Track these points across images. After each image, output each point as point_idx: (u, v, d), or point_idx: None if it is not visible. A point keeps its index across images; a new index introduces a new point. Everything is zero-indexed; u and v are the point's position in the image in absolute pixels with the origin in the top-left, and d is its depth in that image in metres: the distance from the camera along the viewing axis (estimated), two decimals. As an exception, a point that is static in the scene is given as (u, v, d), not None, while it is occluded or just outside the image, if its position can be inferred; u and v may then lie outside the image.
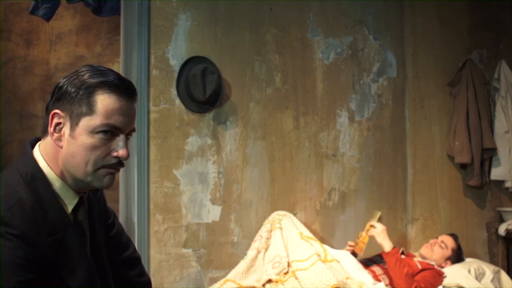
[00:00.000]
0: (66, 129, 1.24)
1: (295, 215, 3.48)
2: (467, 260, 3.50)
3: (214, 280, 3.22)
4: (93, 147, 1.24)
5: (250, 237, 3.36)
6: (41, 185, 1.22)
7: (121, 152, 1.27)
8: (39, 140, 1.31)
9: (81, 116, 1.23)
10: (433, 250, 3.37)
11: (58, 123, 1.23)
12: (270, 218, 3.34)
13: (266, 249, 3.20)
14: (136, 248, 3.16)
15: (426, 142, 3.88)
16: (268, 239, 3.25)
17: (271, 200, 3.43)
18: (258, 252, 3.18)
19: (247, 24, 3.49)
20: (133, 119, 1.31)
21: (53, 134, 1.24)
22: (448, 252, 3.37)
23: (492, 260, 3.87)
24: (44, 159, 1.26)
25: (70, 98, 1.23)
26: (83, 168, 1.25)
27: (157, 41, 3.26)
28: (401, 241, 3.77)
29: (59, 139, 1.24)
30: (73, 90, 1.23)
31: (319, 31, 3.66)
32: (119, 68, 3.69)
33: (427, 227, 3.84)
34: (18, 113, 4.44)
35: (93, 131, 1.23)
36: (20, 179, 1.20)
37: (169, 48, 3.29)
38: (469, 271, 3.24)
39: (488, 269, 3.34)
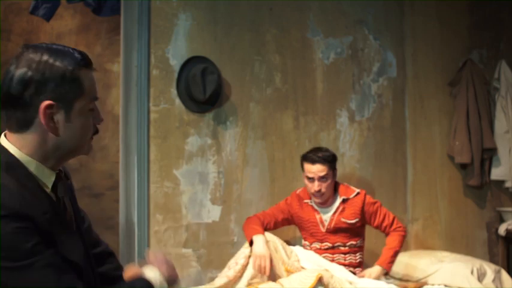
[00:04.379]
0: (59, 117, 1.23)
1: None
2: (469, 258, 3.49)
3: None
4: (89, 124, 1.29)
5: (250, 237, 3.36)
6: (18, 170, 1.21)
7: (101, 119, 1.33)
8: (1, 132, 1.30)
9: (73, 99, 1.23)
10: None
11: (51, 113, 1.21)
12: None
13: (239, 279, 2.80)
14: (136, 248, 3.18)
15: (426, 142, 3.88)
16: (244, 266, 2.82)
17: (271, 200, 3.42)
18: (229, 282, 2.81)
19: (247, 24, 3.49)
20: None
21: (48, 125, 1.21)
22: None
23: (492, 260, 3.87)
24: (15, 146, 1.23)
25: (55, 85, 1.20)
26: (81, 145, 1.29)
27: (157, 41, 3.26)
28: (401, 241, 3.77)
29: (55, 128, 1.23)
30: (56, 76, 1.21)
31: (319, 31, 3.66)
32: (119, 68, 3.69)
33: (427, 227, 3.84)
34: (18, 113, 4.43)
35: (87, 110, 1.27)
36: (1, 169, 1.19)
37: (169, 48, 3.29)
38: (472, 271, 3.23)
39: (490, 269, 3.34)
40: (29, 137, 1.23)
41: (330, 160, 2.98)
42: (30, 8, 3.60)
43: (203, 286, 2.94)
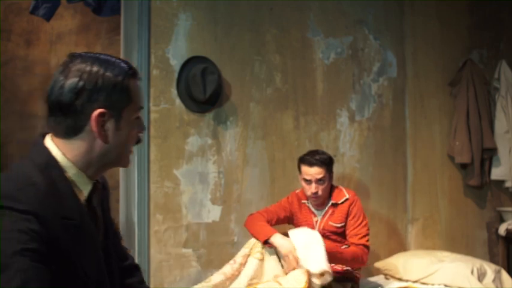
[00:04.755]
0: (110, 125, 1.26)
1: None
2: (470, 258, 3.49)
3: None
4: (134, 133, 1.33)
5: (250, 237, 3.36)
6: (55, 172, 1.23)
7: (144, 128, 1.37)
8: (45, 134, 1.31)
9: (123, 108, 1.27)
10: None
11: (102, 121, 1.24)
12: (251, 242, 2.90)
13: (236, 277, 2.80)
14: (136, 248, 3.18)
15: (426, 142, 3.88)
16: (242, 265, 2.83)
17: (271, 200, 3.42)
18: (226, 279, 2.80)
19: (247, 24, 3.49)
20: None
21: (100, 132, 1.24)
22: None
23: (492, 260, 3.87)
24: (59, 150, 1.26)
25: (107, 94, 1.24)
26: (125, 155, 1.33)
27: (157, 41, 3.26)
28: (401, 241, 3.77)
29: (105, 135, 1.26)
30: (107, 86, 1.24)
31: (319, 31, 3.66)
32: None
33: (427, 227, 3.84)
34: (18, 113, 4.43)
35: (134, 118, 1.31)
36: (34, 167, 1.21)
37: (170, 48, 3.29)
38: (472, 271, 3.23)
39: (490, 269, 3.34)
40: (77, 143, 1.25)
41: (327, 163, 2.98)
42: (30, 8, 3.60)
43: (200, 284, 2.92)
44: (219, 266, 3.17)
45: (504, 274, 3.40)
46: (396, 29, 3.86)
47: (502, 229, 3.86)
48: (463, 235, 3.92)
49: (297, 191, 3.16)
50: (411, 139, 3.85)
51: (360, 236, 2.93)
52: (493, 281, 3.27)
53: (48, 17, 3.64)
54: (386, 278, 3.41)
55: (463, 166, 3.93)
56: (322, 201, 3.01)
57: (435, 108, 3.92)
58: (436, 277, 3.24)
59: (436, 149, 3.90)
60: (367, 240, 2.94)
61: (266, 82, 3.53)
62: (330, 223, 2.99)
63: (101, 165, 1.30)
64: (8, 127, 4.37)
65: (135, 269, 1.65)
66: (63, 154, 1.25)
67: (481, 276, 3.25)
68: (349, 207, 3.00)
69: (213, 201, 3.37)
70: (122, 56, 3.32)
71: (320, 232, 2.93)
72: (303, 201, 3.10)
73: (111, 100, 1.24)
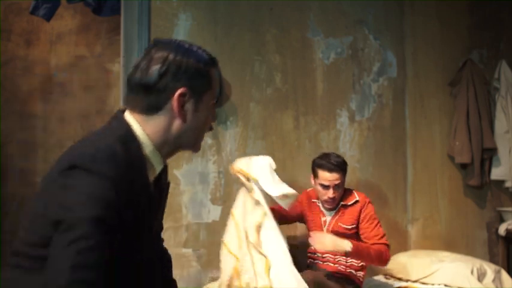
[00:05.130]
0: (189, 106, 1.30)
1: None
2: (470, 258, 3.49)
3: (215, 280, 3.21)
4: (209, 119, 1.37)
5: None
6: (134, 146, 1.26)
7: (216, 118, 1.42)
8: (124, 109, 1.35)
9: (203, 92, 1.32)
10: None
11: (183, 101, 1.29)
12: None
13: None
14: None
15: (426, 142, 3.88)
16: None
17: (271, 200, 3.42)
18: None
19: (247, 24, 3.49)
20: None
21: (179, 111, 1.28)
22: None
23: (492, 260, 3.87)
24: (139, 125, 1.29)
25: (189, 76, 1.29)
26: (198, 137, 1.37)
27: (158, 41, 3.26)
28: (401, 241, 3.77)
29: (184, 114, 1.30)
30: (190, 69, 1.29)
31: (319, 31, 3.66)
32: (119, 68, 3.70)
33: (427, 227, 3.84)
34: (18, 113, 4.43)
35: (210, 104, 1.35)
36: (115, 137, 1.24)
37: (170, 48, 3.28)
38: (472, 271, 3.23)
39: (490, 269, 3.34)
40: (156, 120, 1.29)
41: (344, 168, 2.98)
42: (30, 8, 3.60)
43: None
44: (219, 266, 3.17)
45: (504, 274, 3.40)
46: (396, 29, 3.86)
47: (502, 229, 3.86)
48: (463, 235, 3.92)
49: (308, 190, 3.16)
50: (411, 139, 3.85)
51: (379, 236, 2.92)
52: (493, 281, 3.27)
53: (48, 17, 3.64)
54: (386, 278, 3.41)
55: (463, 166, 3.92)
56: (336, 203, 3.01)
57: (435, 108, 3.92)
58: (436, 277, 3.24)
59: (436, 149, 3.90)
60: (386, 239, 2.93)
61: (266, 82, 3.53)
62: (340, 224, 2.98)
63: (175, 147, 1.34)
64: (8, 127, 4.37)
65: (171, 264, 1.68)
66: (143, 129, 1.29)
67: (481, 276, 3.26)
68: (360, 210, 2.98)
69: (213, 201, 3.36)
70: (121, 56, 3.32)
71: (329, 232, 2.95)
72: (314, 199, 3.09)
73: (193, 83, 1.29)
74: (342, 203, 3.01)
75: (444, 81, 3.95)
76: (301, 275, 2.60)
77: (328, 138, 3.65)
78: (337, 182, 2.91)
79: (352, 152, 3.70)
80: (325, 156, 2.98)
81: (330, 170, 2.90)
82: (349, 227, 2.97)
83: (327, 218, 3.03)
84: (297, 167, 3.56)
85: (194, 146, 1.38)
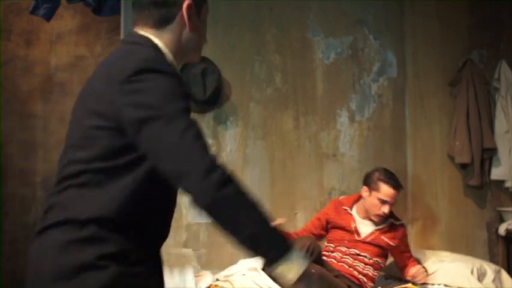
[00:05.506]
0: (194, 16, 1.43)
1: (295, 214, 3.48)
2: (470, 258, 3.49)
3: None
4: (206, 29, 1.53)
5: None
6: (163, 55, 1.39)
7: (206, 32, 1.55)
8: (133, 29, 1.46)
9: (202, 5, 1.47)
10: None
11: (190, 11, 1.42)
12: None
13: None
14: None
15: (426, 142, 3.88)
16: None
17: (271, 200, 3.42)
18: None
19: (247, 24, 3.49)
20: None
21: (189, 20, 1.41)
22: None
23: (492, 260, 3.87)
24: (156, 38, 1.40)
25: None
26: (199, 45, 1.51)
27: (158, 41, 3.26)
28: (401, 241, 3.77)
29: (191, 23, 1.43)
30: None
31: (319, 31, 3.66)
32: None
33: (427, 227, 3.84)
34: (18, 113, 4.43)
35: (206, 16, 1.50)
36: (149, 49, 1.35)
37: (170, 48, 3.28)
38: (472, 271, 3.23)
39: (490, 269, 3.34)
40: (169, 31, 1.41)
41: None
42: (30, 8, 3.59)
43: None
44: (219, 266, 3.18)
45: (504, 274, 3.40)
46: (396, 29, 3.86)
47: (502, 229, 3.85)
48: (463, 235, 3.91)
49: (340, 199, 3.22)
50: (411, 139, 3.85)
51: (410, 256, 3.21)
52: (493, 281, 3.27)
53: (48, 17, 3.63)
54: (386, 278, 3.41)
55: (463, 166, 3.92)
56: None
57: (435, 108, 3.92)
58: (436, 277, 3.24)
59: (436, 149, 3.90)
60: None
61: (266, 82, 3.53)
62: (383, 238, 3.05)
63: (182, 55, 1.47)
64: (8, 127, 4.37)
65: None
66: (161, 42, 1.40)
67: (480, 276, 3.25)
68: (403, 234, 3.14)
69: (213, 201, 3.36)
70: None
71: (365, 240, 3.02)
72: (345, 207, 3.13)
73: None
74: (391, 220, 3.11)
75: (444, 81, 3.95)
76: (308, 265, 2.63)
77: (328, 138, 3.65)
78: (395, 200, 3.04)
79: (352, 152, 3.70)
80: (390, 173, 3.09)
81: (395, 188, 3.02)
82: (393, 244, 3.07)
83: (361, 226, 3.07)
84: (297, 167, 3.56)
85: (196, 53, 1.53)
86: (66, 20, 4.53)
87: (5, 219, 4.16)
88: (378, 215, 3.04)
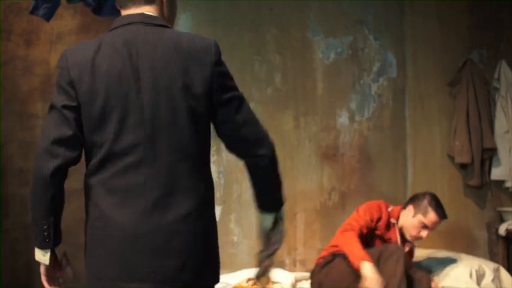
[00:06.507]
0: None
1: (295, 215, 3.47)
2: (469, 257, 3.49)
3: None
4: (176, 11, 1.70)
5: (250, 237, 3.35)
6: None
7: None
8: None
9: None
10: None
11: None
12: None
13: None
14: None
15: (426, 142, 3.88)
16: None
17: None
18: None
19: (247, 24, 3.49)
20: None
21: (167, 1, 1.60)
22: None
23: (492, 260, 3.87)
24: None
25: None
26: (173, 19, 1.70)
27: (158, 41, 3.26)
28: (401, 241, 3.77)
29: (169, 3, 1.61)
30: None
31: (319, 31, 3.66)
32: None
33: (427, 227, 3.84)
34: (18, 113, 4.42)
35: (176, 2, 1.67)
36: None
37: (169, 48, 3.28)
38: (471, 272, 3.23)
39: (489, 269, 3.34)
40: (155, 8, 1.58)
41: None
42: (30, 8, 3.59)
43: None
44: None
45: (503, 272, 3.40)
46: (396, 29, 3.86)
47: (502, 229, 3.85)
48: (463, 235, 3.91)
49: (389, 209, 3.13)
50: (411, 139, 3.85)
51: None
52: (493, 280, 3.27)
53: (48, 17, 3.63)
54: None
55: (463, 166, 3.92)
56: None
57: (435, 109, 3.92)
58: (435, 277, 3.24)
59: (436, 149, 3.90)
60: None
61: (266, 82, 3.53)
62: (407, 258, 3.01)
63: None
64: (8, 127, 4.36)
65: None
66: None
67: (480, 277, 3.26)
68: (414, 254, 3.23)
69: (213, 201, 3.36)
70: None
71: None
72: (393, 220, 3.10)
73: None
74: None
75: (444, 82, 3.95)
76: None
77: (328, 138, 3.65)
78: (435, 228, 3.04)
79: (352, 152, 3.70)
80: (439, 201, 3.06)
81: (441, 217, 3.02)
82: (408, 264, 3.02)
83: (400, 243, 3.05)
84: (296, 167, 3.56)
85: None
86: (66, 20, 4.53)
87: (5, 219, 4.16)
88: (414, 237, 3.03)
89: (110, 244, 1.39)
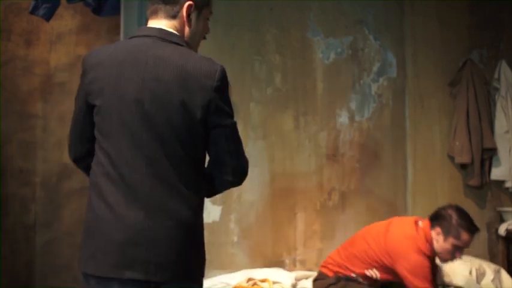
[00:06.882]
0: (193, 15, 1.68)
1: (295, 215, 3.47)
2: (468, 258, 3.49)
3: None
4: (205, 29, 1.77)
5: (250, 237, 3.35)
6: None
7: (209, 29, 1.80)
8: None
9: (203, 7, 1.70)
10: None
11: (189, 11, 1.66)
12: None
13: None
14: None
15: (426, 142, 3.88)
16: None
17: (271, 201, 3.42)
18: None
19: (247, 24, 3.49)
20: None
21: (187, 19, 1.66)
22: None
23: (492, 260, 3.87)
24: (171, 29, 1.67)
25: None
26: (198, 41, 1.77)
27: (157, 41, 3.26)
28: (401, 241, 3.77)
29: (189, 21, 1.68)
30: None
31: (319, 31, 3.66)
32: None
33: (427, 227, 3.84)
34: (18, 113, 4.43)
35: (207, 17, 1.75)
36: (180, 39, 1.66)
37: (169, 48, 3.28)
38: (470, 272, 3.23)
39: (489, 269, 3.34)
40: (176, 23, 1.66)
41: None
42: (30, 8, 3.59)
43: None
44: (219, 266, 3.18)
45: (503, 274, 3.40)
46: (396, 29, 3.86)
47: (502, 229, 3.85)
48: (463, 235, 3.91)
49: (422, 249, 2.74)
50: (411, 139, 3.85)
51: None
52: (492, 280, 3.27)
53: (48, 17, 3.63)
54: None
55: (463, 166, 3.92)
56: None
57: (435, 109, 3.92)
58: (435, 277, 3.24)
59: (436, 149, 3.90)
60: None
61: (266, 82, 3.53)
62: None
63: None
64: (8, 127, 4.37)
65: None
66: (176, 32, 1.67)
67: (480, 276, 3.26)
68: None
69: (213, 201, 3.36)
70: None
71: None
72: (430, 255, 2.79)
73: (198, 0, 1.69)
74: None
75: (444, 82, 3.95)
76: None
77: (328, 138, 3.65)
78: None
79: (352, 152, 3.70)
80: (467, 215, 2.76)
81: (475, 234, 2.74)
82: None
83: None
84: (297, 167, 3.56)
85: (195, 46, 1.76)
86: (66, 20, 4.53)
87: (5, 219, 4.16)
88: (446, 260, 2.79)
89: (109, 232, 1.54)
